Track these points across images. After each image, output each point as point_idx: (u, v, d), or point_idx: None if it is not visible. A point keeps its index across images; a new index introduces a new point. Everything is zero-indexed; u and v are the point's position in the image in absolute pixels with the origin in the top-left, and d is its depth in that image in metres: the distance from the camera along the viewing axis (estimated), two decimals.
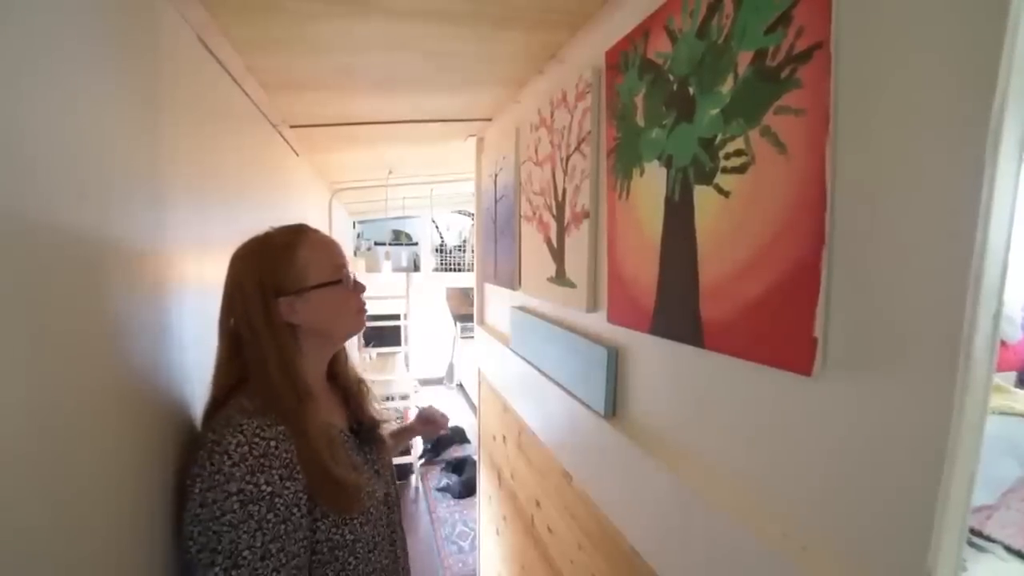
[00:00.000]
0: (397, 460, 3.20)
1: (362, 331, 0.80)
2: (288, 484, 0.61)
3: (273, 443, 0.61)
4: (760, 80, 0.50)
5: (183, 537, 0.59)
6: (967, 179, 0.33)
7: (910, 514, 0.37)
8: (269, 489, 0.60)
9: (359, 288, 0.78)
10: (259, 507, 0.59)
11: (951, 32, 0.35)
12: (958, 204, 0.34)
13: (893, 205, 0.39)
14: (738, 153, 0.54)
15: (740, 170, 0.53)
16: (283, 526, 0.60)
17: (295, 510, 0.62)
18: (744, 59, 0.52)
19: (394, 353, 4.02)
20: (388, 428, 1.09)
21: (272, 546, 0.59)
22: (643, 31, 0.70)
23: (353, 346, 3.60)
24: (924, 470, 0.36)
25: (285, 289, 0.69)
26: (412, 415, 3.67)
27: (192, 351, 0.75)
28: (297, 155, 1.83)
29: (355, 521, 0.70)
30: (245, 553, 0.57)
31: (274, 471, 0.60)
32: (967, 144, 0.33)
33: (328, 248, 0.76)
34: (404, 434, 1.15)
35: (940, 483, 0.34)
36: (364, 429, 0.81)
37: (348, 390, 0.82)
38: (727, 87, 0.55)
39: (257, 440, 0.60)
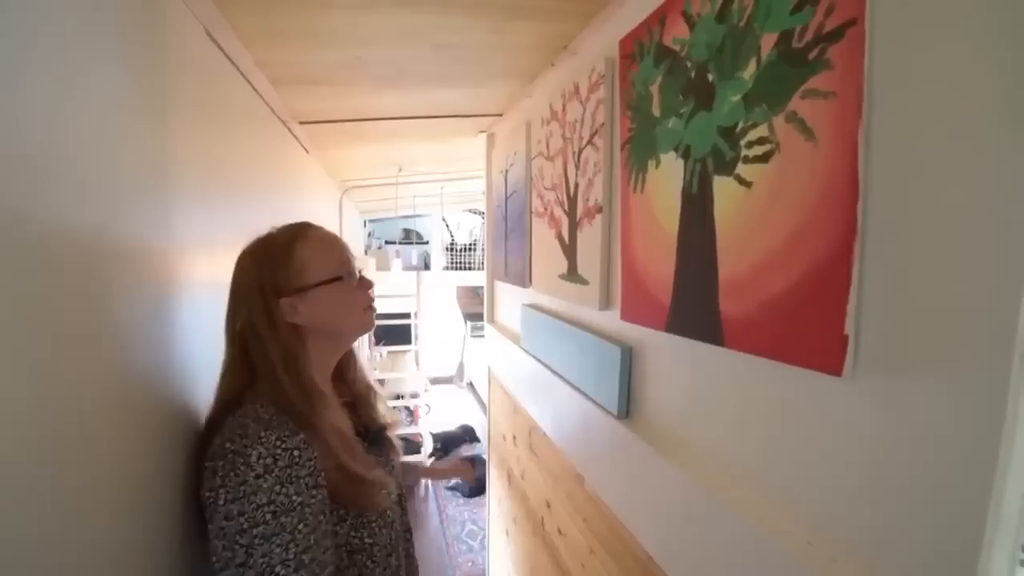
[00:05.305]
0: (405, 458, 3.20)
1: (371, 330, 0.77)
2: (315, 492, 0.60)
3: (296, 452, 0.59)
4: (785, 63, 0.47)
5: (209, 551, 0.57)
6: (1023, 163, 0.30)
7: (955, 527, 0.34)
8: (299, 499, 0.58)
9: (365, 284, 0.75)
10: (291, 518, 0.57)
11: (1001, 4, 0.32)
12: (1013, 191, 0.31)
13: (935, 194, 0.36)
14: (761, 141, 0.51)
15: (763, 159, 0.51)
16: (313, 535, 0.59)
17: (322, 517, 0.61)
18: (768, 41, 0.49)
19: (404, 351, 4.03)
20: (397, 429, 1.07)
21: (305, 556, 0.57)
22: (659, 17, 0.68)
23: (364, 345, 3.61)
24: (972, 480, 0.33)
25: (285, 289, 0.67)
26: (422, 413, 3.68)
27: (201, 352, 0.74)
28: (307, 152, 1.83)
29: (373, 524, 0.69)
30: (278, 568, 0.55)
31: (302, 480, 0.59)
32: (1022, 126, 0.31)
33: (329, 244, 0.73)
34: (435, 473, 1.10)
35: (991, 494, 0.31)
36: (371, 434, 0.79)
37: (358, 395, 0.80)
38: (749, 72, 0.52)
39: (280, 452, 0.58)
